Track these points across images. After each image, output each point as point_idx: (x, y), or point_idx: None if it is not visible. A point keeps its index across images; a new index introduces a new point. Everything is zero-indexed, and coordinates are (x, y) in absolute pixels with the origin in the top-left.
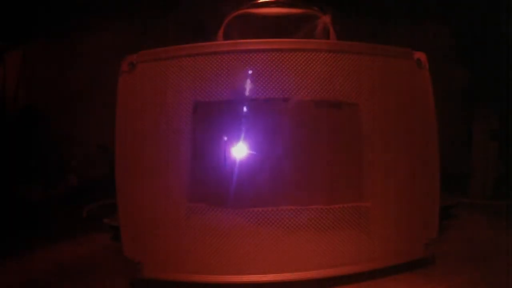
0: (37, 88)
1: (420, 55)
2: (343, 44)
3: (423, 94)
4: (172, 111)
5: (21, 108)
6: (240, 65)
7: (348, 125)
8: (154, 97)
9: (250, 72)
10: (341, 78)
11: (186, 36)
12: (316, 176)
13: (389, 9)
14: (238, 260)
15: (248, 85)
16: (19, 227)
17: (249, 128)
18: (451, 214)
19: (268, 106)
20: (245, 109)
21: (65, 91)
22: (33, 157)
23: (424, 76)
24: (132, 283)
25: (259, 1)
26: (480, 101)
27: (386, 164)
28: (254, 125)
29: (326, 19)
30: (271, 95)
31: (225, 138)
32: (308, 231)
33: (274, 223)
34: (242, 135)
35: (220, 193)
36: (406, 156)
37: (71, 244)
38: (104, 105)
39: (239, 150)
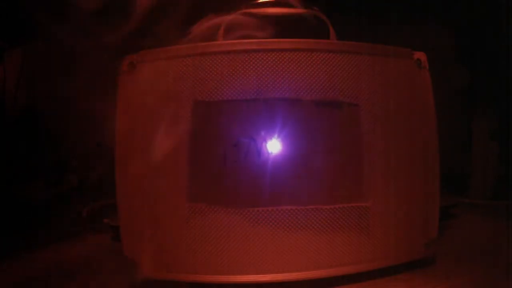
0: (37, 88)
1: (420, 55)
2: (343, 44)
3: (423, 94)
4: (172, 111)
5: (21, 108)
6: (240, 65)
7: (348, 125)
8: (154, 97)
9: (250, 72)
10: (341, 78)
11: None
12: (316, 176)
13: (389, 9)
14: (238, 260)
15: (248, 85)
16: (19, 227)
17: (248, 128)
18: (451, 214)
19: (268, 106)
20: (244, 109)
21: (65, 91)
22: (33, 157)
23: (424, 76)
24: (132, 283)
25: (259, 1)
26: (480, 101)
27: (386, 164)
28: (254, 125)
29: (326, 19)
30: (270, 95)
31: (225, 138)
32: (308, 231)
33: (274, 223)
34: (242, 135)
35: (220, 193)
36: (406, 156)
37: (71, 244)
38: (104, 105)
39: (239, 150)
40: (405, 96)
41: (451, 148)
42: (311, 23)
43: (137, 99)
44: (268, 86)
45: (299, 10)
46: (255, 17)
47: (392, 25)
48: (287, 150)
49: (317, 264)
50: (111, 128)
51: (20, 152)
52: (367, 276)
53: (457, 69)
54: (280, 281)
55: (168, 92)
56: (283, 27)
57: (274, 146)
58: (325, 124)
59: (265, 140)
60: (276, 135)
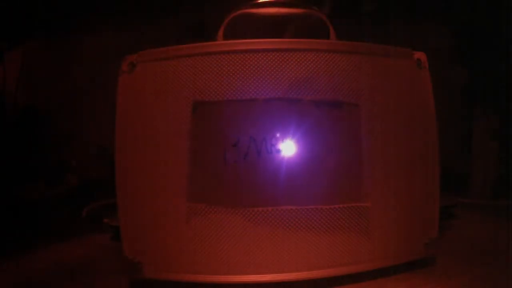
0: (37, 88)
1: (420, 55)
2: (343, 44)
3: (423, 94)
4: (172, 111)
5: (21, 108)
6: (240, 65)
7: (348, 125)
8: (154, 97)
9: (250, 72)
10: (341, 78)
11: (186, 36)
12: (316, 176)
13: (389, 9)
14: (238, 260)
15: (248, 85)
16: (19, 227)
17: (248, 128)
18: (451, 214)
19: (268, 106)
20: (244, 109)
21: (65, 91)
22: (33, 157)
23: (424, 76)
24: (132, 283)
25: (259, 1)
26: (480, 101)
27: (386, 164)
28: (254, 125)
29: (326, 19)
30: (270, 95)
31: (225, 138)
32: (308, 231)
33: (274, 223)
34: (242, 135)
35: (220, 193)
36: (406, 156)
37: (71, 244)
38: (104, 105)
39: (239, 150)
40: (405, 96)
41: (451, 148)
42: (311, 23)
43: (137, 99)
44: (268, 86)
45: (299, 10)
46: (255, 17)
47: (392, 25)
48: (287, 150)
49: (317, 264)
50: (111, 128)
51: (20, 152)
52: (367, 276)
53: (457, 69)
54: (280, 281)
55: (168, 92)
56: (283, 27)
57: (274, 146)
58: (325, 124)
59: (265, 140)
60: (276, 135)
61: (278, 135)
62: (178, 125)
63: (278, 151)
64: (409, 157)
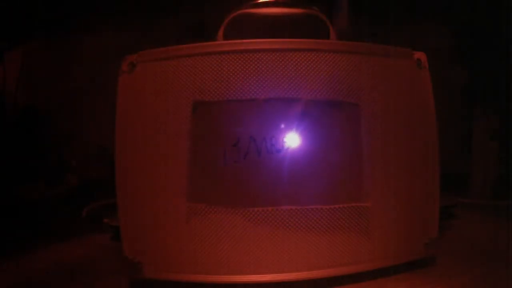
0: (37, 88)
1: (420, 55)
2: (343, 44)
3: (423, 94)
4: (172, 111)
5: (21, 108)
6: (240, 65)
7: (347, 125)
8: (154, 97)
9: (250, 72)
10: (341, 78)
11: (186, 36)
12: (316, 176)
13: (389, 9)
14: (238, 260)
15: (248, 85)
16: (19, 227)
17: (248, 128)
18: (451, 214)
19: (268, 106)
20: (245, 109)
21: (65, 91)
22: (33, 157)
23: (424, 76)
24: (132, 283)
25: (259, 1)
26: (480, 101)
27: (386, 164)
28: (254, 125)
29: (326, 19)
30: (270, 95)
31: (225, 138)
32: (308, 231)
33: (274, 223)
34: (242, 135)
35: (220, 193)
36: (406, 156)
37: (71, 244)
38: (104, 105)
39: (239, 150)
40: (405, 96)
41: (451, 148)
42: (311, 23)
43: (137, 99)
44: (268, 86)
45: (299, 10)
46: (255, 17)
47: (392, 25)
48: (287, 150)
49: (317, 264)
50: (111, 128)
51: (20, 152)
52: (367, 276)
53: (457, 69)
54: (280, 281)
55: (168, 92)
56: (283, 27)
57: (274, 146)
58: (324, 124)
59: (265, 140)
60: (276, 135)
61: (278, 135)
62: (178, 125)
63: (278, 151)
64: (409, 157)
